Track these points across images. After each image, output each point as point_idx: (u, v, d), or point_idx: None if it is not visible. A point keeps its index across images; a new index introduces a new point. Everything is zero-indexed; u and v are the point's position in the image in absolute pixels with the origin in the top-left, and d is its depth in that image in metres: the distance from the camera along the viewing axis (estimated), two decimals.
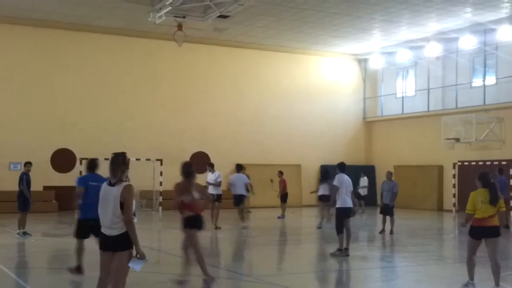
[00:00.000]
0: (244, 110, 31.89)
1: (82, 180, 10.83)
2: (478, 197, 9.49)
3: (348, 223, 13.53)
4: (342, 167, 13.79)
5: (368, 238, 18.47)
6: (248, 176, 21.40)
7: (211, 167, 20.44)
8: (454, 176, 29.28)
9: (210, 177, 20.14)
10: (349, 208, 13.40)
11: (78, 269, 10.59)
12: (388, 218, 18.45)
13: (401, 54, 33.03)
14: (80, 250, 10.63)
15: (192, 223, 10.04)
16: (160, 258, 13.81)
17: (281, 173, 25.45)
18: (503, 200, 9.70)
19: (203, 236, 17.88)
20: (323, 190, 20.59)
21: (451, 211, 29.15)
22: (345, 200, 13.33)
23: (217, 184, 19.85)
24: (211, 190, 19.41)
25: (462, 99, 29.68)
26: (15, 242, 16.15)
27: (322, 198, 20.72)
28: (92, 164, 10.98)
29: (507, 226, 19.22)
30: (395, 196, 18.46)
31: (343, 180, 13.40)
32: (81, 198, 10.42)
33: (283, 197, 24.82)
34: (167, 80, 30.11)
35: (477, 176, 9.75)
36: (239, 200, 20.51)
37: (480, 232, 9.52)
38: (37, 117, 27.35)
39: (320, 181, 21.60)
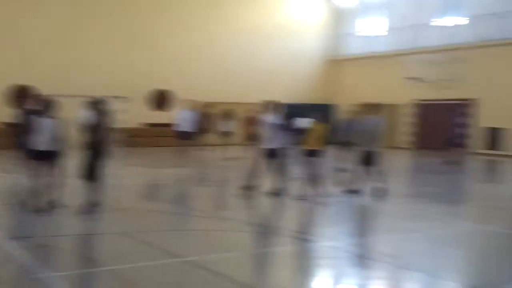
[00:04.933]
0: (207, 47, 31.41)
1: None
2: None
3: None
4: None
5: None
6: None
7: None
8: (412, 115, 29.81)
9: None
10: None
11: None
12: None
13: None
14: None
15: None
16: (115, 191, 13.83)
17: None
18: None
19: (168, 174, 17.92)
20: None
21: (407, 148, 30.02)
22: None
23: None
24: None
25: (425, 39, 29.78)
26: None
27: None
28: None
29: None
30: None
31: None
32: None
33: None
34: (122, 16, 29.37)
35: None
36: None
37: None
38: None
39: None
